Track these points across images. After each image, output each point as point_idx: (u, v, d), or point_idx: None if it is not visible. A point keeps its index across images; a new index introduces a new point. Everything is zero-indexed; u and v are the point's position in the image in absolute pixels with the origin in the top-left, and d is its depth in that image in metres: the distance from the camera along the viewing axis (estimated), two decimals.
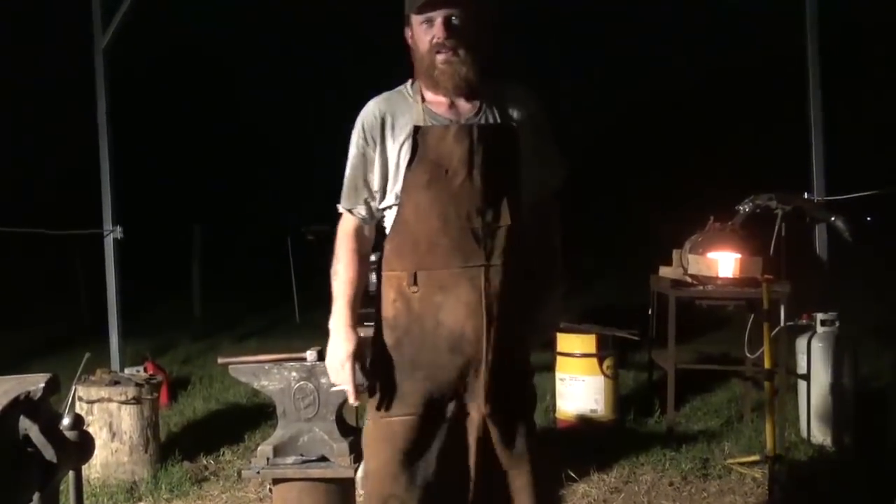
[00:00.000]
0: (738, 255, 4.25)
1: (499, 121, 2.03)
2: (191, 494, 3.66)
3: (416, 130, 1.97)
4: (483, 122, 2.01)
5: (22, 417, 1.54)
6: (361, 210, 2.10)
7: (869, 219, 10.55)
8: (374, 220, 2.12)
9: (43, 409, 1.59)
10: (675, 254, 4.61)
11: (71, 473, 1.75)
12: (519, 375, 2.06)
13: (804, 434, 4.14)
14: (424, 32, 1.96)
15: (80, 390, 3.73)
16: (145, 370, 5.09)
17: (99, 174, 5.31)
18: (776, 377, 3.73)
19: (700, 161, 15.20)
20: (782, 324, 4.09)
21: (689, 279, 4.43)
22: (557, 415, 4.54)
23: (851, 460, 3.79)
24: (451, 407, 1.97)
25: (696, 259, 4.33)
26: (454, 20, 1.94)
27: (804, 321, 4.23)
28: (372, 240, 2.18)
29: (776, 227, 4.04)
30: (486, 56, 2.01)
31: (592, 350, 4.37)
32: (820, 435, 4.06)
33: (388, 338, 2.06)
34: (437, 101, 2.02)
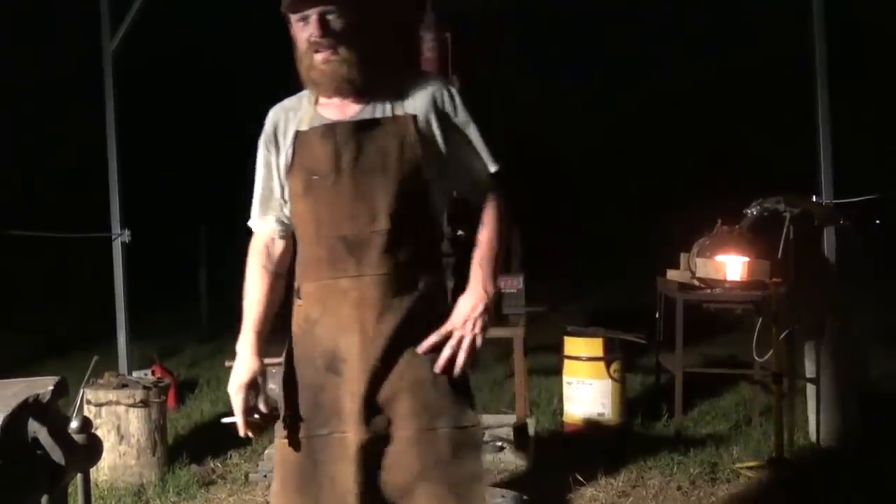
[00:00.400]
0: (746, 258, 4.24)
1: (386, 115, 1.85)
2: (198, 497, 3.67)
3: (296, 136, 1.88)
4: (358, 119, 1.85)
5: (31, 420, 1.54)
6: (271, 222, 1.98)
7: (878, 221, 10.51)
8: (288, 231, 1.98)
9: (51, 411, 1.59)
10: (683, 257, 4.60)
11: (79, 476, 1.75)
12: (426, 393, 1.81)
13: (813, 438, 4.12)
14: (301, 30, 1.81)
15: (89, 393, 3.74)
16: (153, 373, 5.11)
17: (102, 175, 5.32)
18: (784, 381, 3.72)
19: (707, 163, 15.16)
20: (790, 327, 4.08)
21: (696, 282, 4.42)
22: (565, 418, 4.52)
23: (861, 464, 3.77)
24: (334, 430, 1.81)
25: (704, 262, 4.32)
26: (330, 16, 1.78)
27: (812, 324, 4.21)
28: (287, 254, 2.00)
29: (784, 230, 4.03)
30: (375, 51, 1.86)
31: (600, 353, 4.36)
32: (829, 439, 4.03)
33: (295, 355, 1.92)
34: (330, 102, 1.89)
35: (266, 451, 2.59)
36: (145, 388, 3.86)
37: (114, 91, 5.33)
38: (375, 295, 1.81)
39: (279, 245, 2.00)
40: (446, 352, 1.79)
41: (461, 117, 1.89)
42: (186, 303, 11.38)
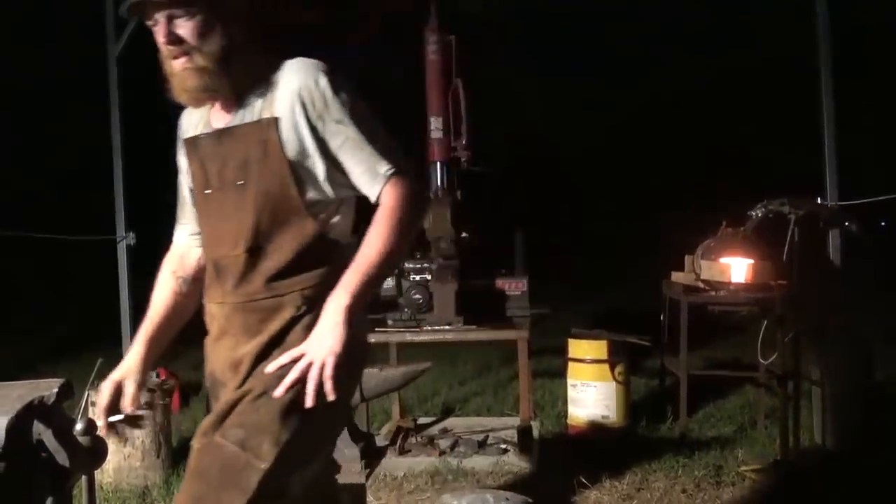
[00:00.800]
0: (751, 261, 4.23)
1: (250, 121, 1.66)
2: None
3: (183, 144, 1.80)
4: (221, 128, 1.71)
5: (35, 422, 1.54)
6: (186, 231, 1.90)
7: (883, 223, 10.49)
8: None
9: (56, 414, 1.59)
10: (688, 259, 4.59)
11: (84, 478, 1.75)
12: (245, 406, 1.62)
13: (818, 441, 4.10)
14: (157, 35, 1.64)
15: (93, 396, 3.75)
16: (157, 375, 5.11)
17: (107, 177, 5.34)
18: (790, 383, 3.70)
19: (711, 164, 15.14)
20: (795, 329, 4.06)
21: (701, 284, 4.41)
22: (569, 421, 4.52)
23: (866, 466, 3.75)
24: None
25: (709, 264, 4.31)
26: (178, 20, 1.60)
27: (818, 327, 4.20)
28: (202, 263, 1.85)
29: (789, 232, 4.02)
30: (237, 53, 1.65)
31: (604, 356, 4.35)
32: (834, 441, 4.02)
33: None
34: (218, 108, 1.73)
35: None
36: (150, 390, 3.85)
37: (118, 93, 5.35)
38: (238, 325, 1.69)
39: (195, 254, 1.88)
40: (290, 376, 1.56)
41: (334, 113, 1.63)
42: None
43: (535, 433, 4.26)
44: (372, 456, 2.68)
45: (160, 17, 1.61)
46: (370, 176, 1.65)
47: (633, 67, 16.35)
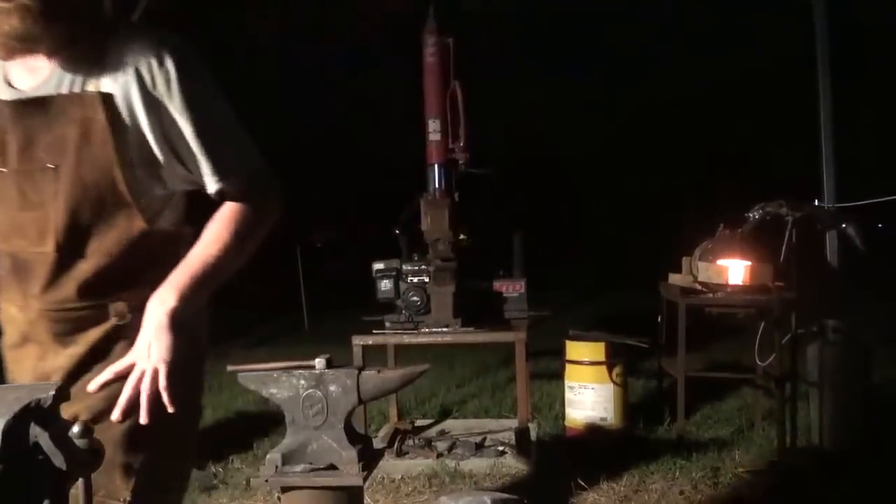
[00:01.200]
0: (749, 262, 4.23)
1: (71, 91, 1.36)
2: (199, 503, 3.66)
3: None
4: (32, 96, 1.37)
5: (32, 425, 1.54)
6: None
7: (881, 225, 10.50)
8: None
9: (53, 416, 1.59)
10: (685, 261, 4.60)
11: (80, 481, 1.75)
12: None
13: (816, 442, 4.11)
14: None
15: None
16: None
17: None
18: (787, 385, 3.71)
19: (709, 166, 15.17)
20: (793, 331, 4.07)
21: (698, 286, 4.41)
22: (567, 423, 4.51)
23: (864, 468, 3.76)
24: None
25: (706, 266, 4.31)
26: None
27: (815, 329, 4.21)
28: None
29: (786, 234, 4.02)
30: (75, 6, 1.34)
31: (602, 358, 4.35)
32: (832, 443, 4.02)
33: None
34: (23, 64, 1.39)
35: (268, 456, 2.59)
36: None
37: None
38: (45, 332, 1.44)
39: None
40: (124, 394, 1.35)
41: (176, 100, 1.38)
42: None
43: (533, 435, 4.26)
44: (369, 458, 2.68)
45: None
46: (215, 173, 1.43)
47: (631, 68, 16.39)
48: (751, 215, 4.21)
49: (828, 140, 4.65)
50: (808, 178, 4.66)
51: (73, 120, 1.35)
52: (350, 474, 2.66)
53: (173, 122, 1.40)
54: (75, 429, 1.63)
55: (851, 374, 4.02)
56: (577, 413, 4.42)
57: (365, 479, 2.69)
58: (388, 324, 4.17)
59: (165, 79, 1.37)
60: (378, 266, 4.09)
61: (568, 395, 4.48)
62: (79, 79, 1.37)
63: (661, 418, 4.57)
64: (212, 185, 1.45)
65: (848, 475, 3.64)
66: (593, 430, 4.34)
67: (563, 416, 4.60)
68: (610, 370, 4.34)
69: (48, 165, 1.36)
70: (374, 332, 4.12)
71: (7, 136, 1.38)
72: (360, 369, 2.67)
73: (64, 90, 1.37)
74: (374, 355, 4.13)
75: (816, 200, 4.42)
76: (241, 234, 1.46)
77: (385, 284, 4.10)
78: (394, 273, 4.14)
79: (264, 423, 4.84)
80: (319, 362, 2.77)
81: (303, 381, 2.73)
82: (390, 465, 3.86)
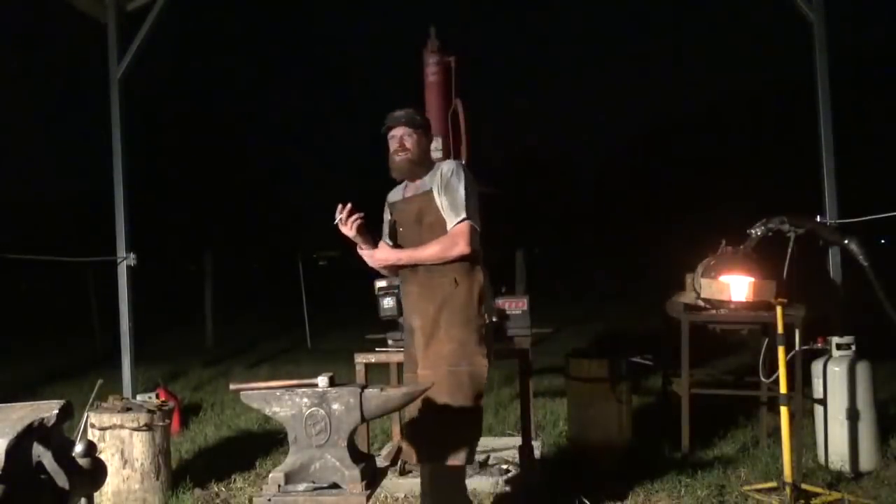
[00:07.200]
0: (751, 279, 4.23)
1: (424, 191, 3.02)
2: None
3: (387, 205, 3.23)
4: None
5: (35, 444, 1.54)
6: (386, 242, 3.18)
7: (882, 241, 10.50)
8: None
9: (56, 435, 1.59)
10: (688, 278, 4.59)
11: (83, 500, 1.74)
12: None
13: (821, 460, 4.08)
14: (392, 141, 3.08)
15: (93, 417, 3.74)
16: (157, 396, 5.09)
17: (110, 201, 5.37)
18: (792, 402, 3.69)
19: (711, 184, 15.20)
20: (797, 348, 4.06)
21: (702, 303, 4.41)
22: (571, 441, 4.49)
23: (869, 485, 3.73)
24: None
25: (709, 283, 4.31)
26: (405, 136, 3.04)
27: (819, 345, 4.19)
28: None
29: (788, 251, 4.02)
30: (425, 155, 3.10)
31: (606, 375, 4.34)
32: (837, 460, 4.00)
33: None
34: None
35: (271, 475, 2.58)
36: (149, 411, 3.85)
37: (120, 117, 5.39)
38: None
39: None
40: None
41: (448, 184, 3.08)
42: (191, 327, 11.38)
43: (537, 453, 4.24)
44: (372, 477, 2.67)
45: (397, 132, 3.06)
46: (454, 216, 2.96)
47: (634, 89, 16.51)
48: (753, 232, 4.21)
49: (829, 157, 4.67)
50: (811, 195, 4.67)
51: (424, 202, 3.04)
52: (353, 493, 2.65)
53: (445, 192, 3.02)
54: (78, 448, 1.63)
55: (856, 391, 4.00)
56: (581, 431, 4.40)
57: (368, 498, 2.68)
58: (390, 342, 4.16)
59: (447, 178, 3.01)
60: (380, 284, 4.09)
61: (572, 412, 4.46)
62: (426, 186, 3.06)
63: (666, 436, 4.55)
64: (450, 221, 2.98)
65: (853, 491, 3.61)
66: (598, 449, 4.31)
67: (567, 433, 4.58)
68: (614, 388, 4.32)
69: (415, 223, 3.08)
70: (377, 349, 4.11)
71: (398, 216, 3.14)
72: (363, 387, 2.66)
73: (419, 192, 3.06)
74: (376, 373, 4.12)
75: (818, 216, 4.42)
76: (440, 250, 2.99)
77: (387, 302, 4.09)
78: (396, 291, 4.14)
79: (267, 441, 4.82)
80: (322, 380, 2.77)
81: (306, 400, 2.73)
82: (393, 484, 3.85)
